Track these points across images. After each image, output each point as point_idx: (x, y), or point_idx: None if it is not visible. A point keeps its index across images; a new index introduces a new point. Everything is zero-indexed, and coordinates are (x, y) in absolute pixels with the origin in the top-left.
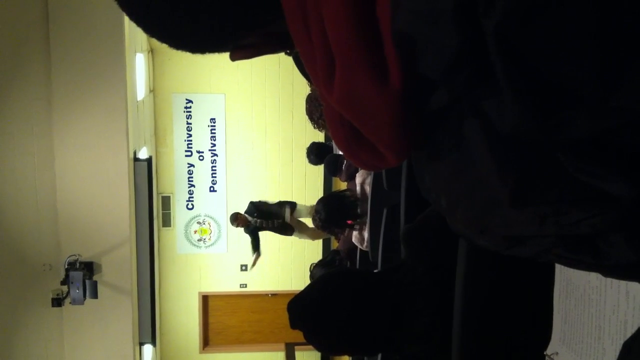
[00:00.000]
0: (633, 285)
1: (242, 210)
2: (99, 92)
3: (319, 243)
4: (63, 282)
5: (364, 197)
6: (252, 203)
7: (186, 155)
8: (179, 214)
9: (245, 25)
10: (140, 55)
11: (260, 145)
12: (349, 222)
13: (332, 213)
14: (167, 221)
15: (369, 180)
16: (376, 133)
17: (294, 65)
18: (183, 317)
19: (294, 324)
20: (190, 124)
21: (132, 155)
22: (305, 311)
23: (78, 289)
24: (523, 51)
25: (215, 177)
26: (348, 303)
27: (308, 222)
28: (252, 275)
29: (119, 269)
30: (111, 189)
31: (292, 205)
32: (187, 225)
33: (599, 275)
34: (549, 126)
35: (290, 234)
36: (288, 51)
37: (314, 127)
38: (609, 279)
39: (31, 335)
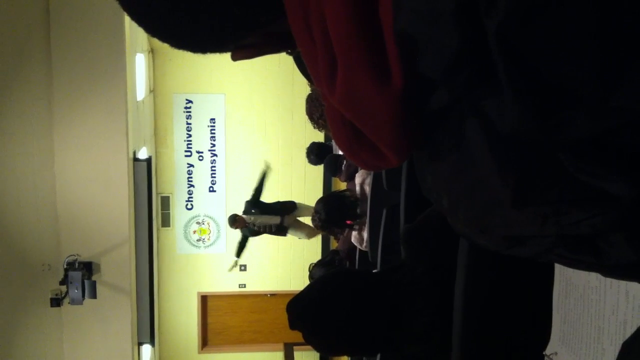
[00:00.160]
0: (633, 285)
1: (239, 212)
2: (99, 92)
3: (318, 243)
4: (62, 282)
5: (363, 197)
6: (248, 202)
7: (186, 156)
8: (179, 214)
9: (245, 25)
10: (140, 55)
11: (260, 146)
12: (349, 222)
13: (332, 213)
14: (166, 221)
15: (368, 180)
16: (377, 133)
17: (294, 65)
18: (182, 317)
19: (293, 325)
20: (190, 124)
21: (131, 155)
22: (305, 311)
23: (77, 289)
24: (523, 51)
25: (214, 177)
26: (347, 303)
27: (308, 221)
28: (251, 276)
29: (118, 269)
30: (111, 189)
31: (290, 208)
32: (186, 226)
33: (599, 276)
34: (549, 126)
35: (285, 235)
36: (289, 51)
37: (314, 127)
38: (608, 279)
39: (30, 335)
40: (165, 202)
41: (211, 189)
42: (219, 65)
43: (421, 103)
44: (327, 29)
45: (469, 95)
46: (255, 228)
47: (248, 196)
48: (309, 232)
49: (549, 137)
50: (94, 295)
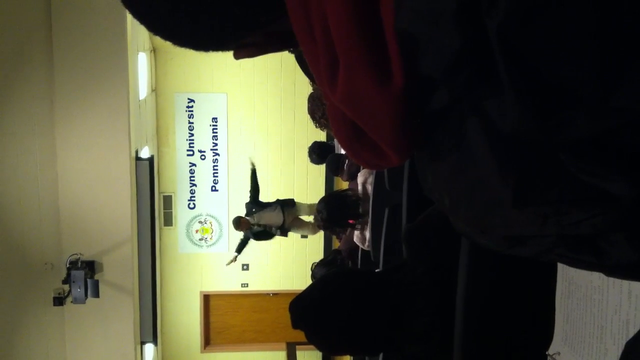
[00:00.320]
0: (635, 285)
1: (241, 211)
2: (101, 91)
3: (320, 243)
4: (64, 281)
5: (365, 197)
6: (247, 203)
7: (188, 155)
8: (181, 213)
9: (245, 25)
10: (142, 54)
11: (262, 145)
12: (351, 221)
13: (334, 212)
14: (168, 220)
15: (370, 179)
16: (378, 132)
17: (296, 64)
18: (184, 317)
19: (295, 324)
20: (192, 123)
21: (134, 155)
22: (307, 311)
23: (79, 288)
24: (523, 51)
25: (216, 176)
26: (349, 303)
27: (308, 219)
28: (253, 275)
29: (120, 268)
30: (113, 188)
31: (289, 203)
32: (188, 225)
33: (601, 275)
34: (549, 126)
35: (286, 235)
36: (291, 49)
37: (316, 126)
38: (611, 279)
39: (32, 334)
40: (168, 201)
41: (213, 188)
42: (221, 64)
43: (422, 103)
44: (328, 28)
45: (470, 95)
46: (260, 228)
47: (246, 198)
48: (312, 228)
49: (549, 137)
50: (96, 294)
